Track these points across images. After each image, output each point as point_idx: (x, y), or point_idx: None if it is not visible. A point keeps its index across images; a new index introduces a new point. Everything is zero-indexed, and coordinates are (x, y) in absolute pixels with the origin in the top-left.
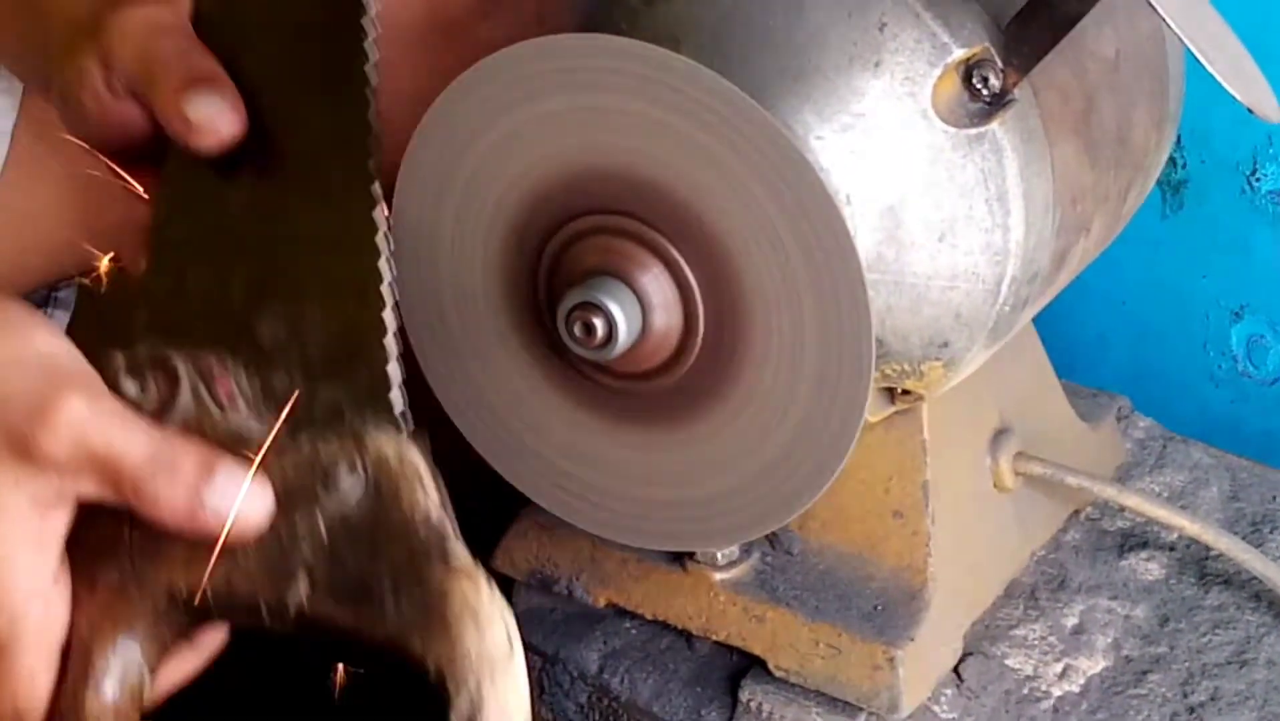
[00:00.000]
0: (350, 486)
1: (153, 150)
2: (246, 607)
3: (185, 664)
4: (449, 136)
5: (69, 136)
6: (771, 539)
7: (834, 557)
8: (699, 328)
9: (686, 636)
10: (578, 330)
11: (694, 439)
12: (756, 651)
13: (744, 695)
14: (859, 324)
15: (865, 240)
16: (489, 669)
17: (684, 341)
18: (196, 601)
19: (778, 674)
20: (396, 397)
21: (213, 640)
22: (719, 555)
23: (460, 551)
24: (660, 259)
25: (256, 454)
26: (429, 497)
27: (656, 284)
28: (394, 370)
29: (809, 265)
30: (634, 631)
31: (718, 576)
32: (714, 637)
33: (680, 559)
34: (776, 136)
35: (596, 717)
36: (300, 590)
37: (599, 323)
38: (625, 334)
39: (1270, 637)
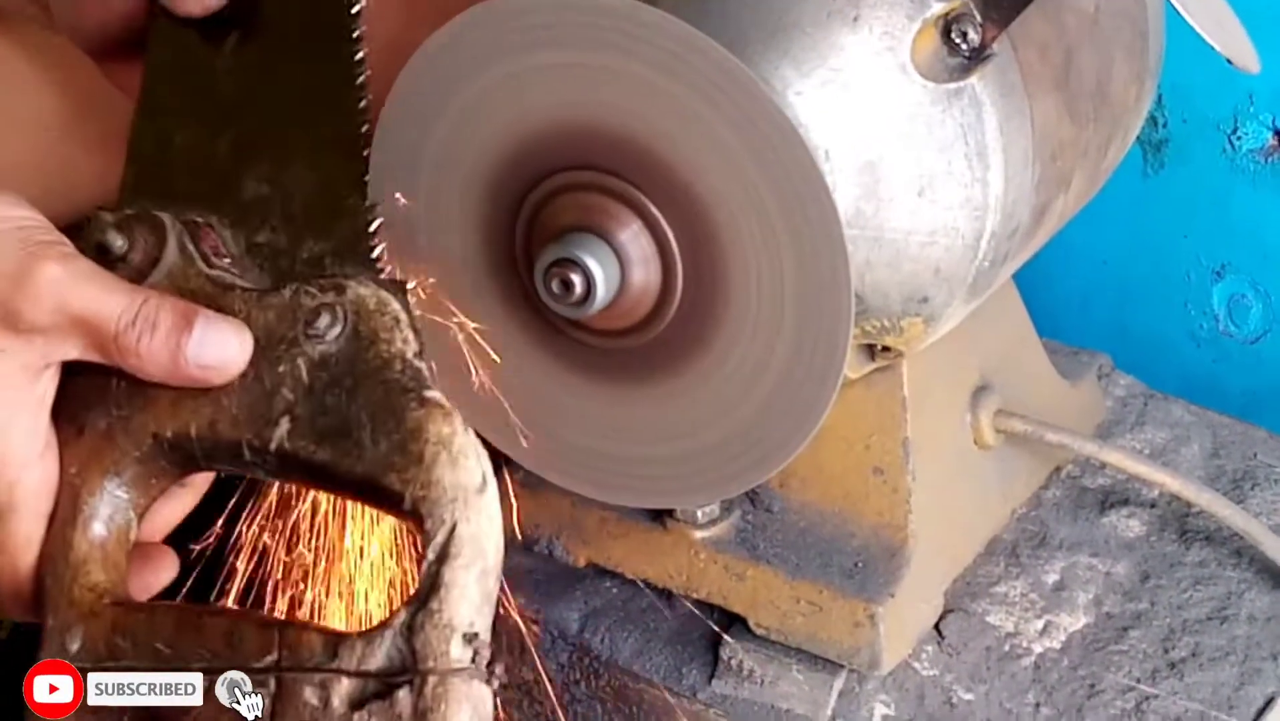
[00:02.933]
0: (330, 331)
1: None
2: (230, 450)
3: (178, 503)
4: (425, 94)
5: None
6: (752, 497)
7: (814, 515)
8: (677, 284)
9: (667, 595)
10: (555, 286)
11: (672, 395)
12: (737, 609)
13: (725, 653)
14: (838, 279)
15: (844, 195)
16: (462, 499)
17: (662, 297)
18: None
19: (758, 631)
20: (377, 248)
21: (203, 480)
22: (699, 513)
23: (435, 391)
24: (639, 215)
25: (240, 305)
26: (406, 341)
27: (635, 240)
28: (375, 224)
29: (788, 221)
30: (614, 590)
31: (698, 534)
32: (695, 596)
33: (660, 517)
34: (755, 92)
35: (578, 676)
36: (281, 431)
37: (577, 279)
38: (603, 290)
39: (1251, 593)
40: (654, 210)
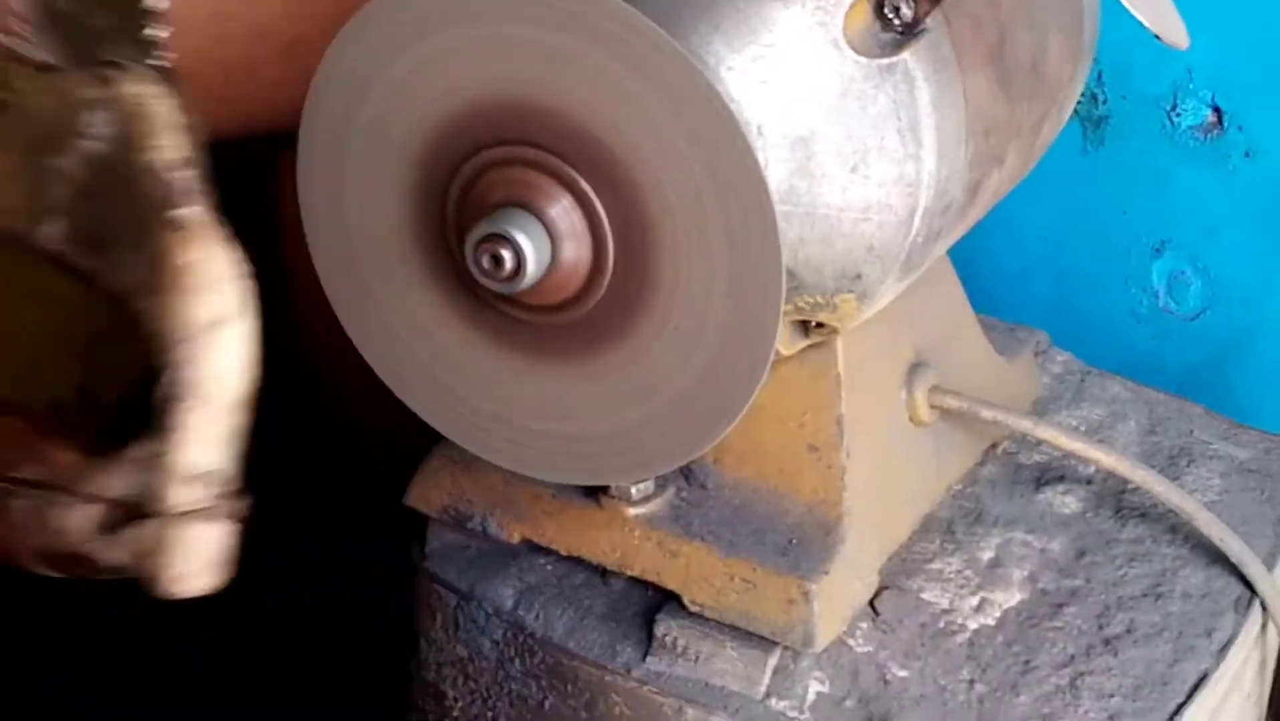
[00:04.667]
0: (103, 129)
1: None
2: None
3: None
4: (351, 74)
5: None
6: (686, 473)
7: (749, 492)
8: (608, 259)
9: (601, 572)
10: (486, 262)
11: (605, 372)
12: (671, 586)
13: (659, 630)
14: (769, 255)
15: (776, 172)
16: (193, 337)
17: (593, 273)
18: None
19: (693, 608)
20: (154, 30)
21: None
22: (633, 490)
23: (195, 211)
24: (569, 190)
25: (19, 83)
26: (168, 148)
27: (565, 215)
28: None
29: (719, 197)
30: (549, 567)
31: (632, 511)
32: (629, 573)
33: (595, 494)
34: (686, 67)
35: (512, 654)
36: (53, 230)
37: (507, 254)
38: (534, 265)
39: (1186, 570)
40: (585, 185)
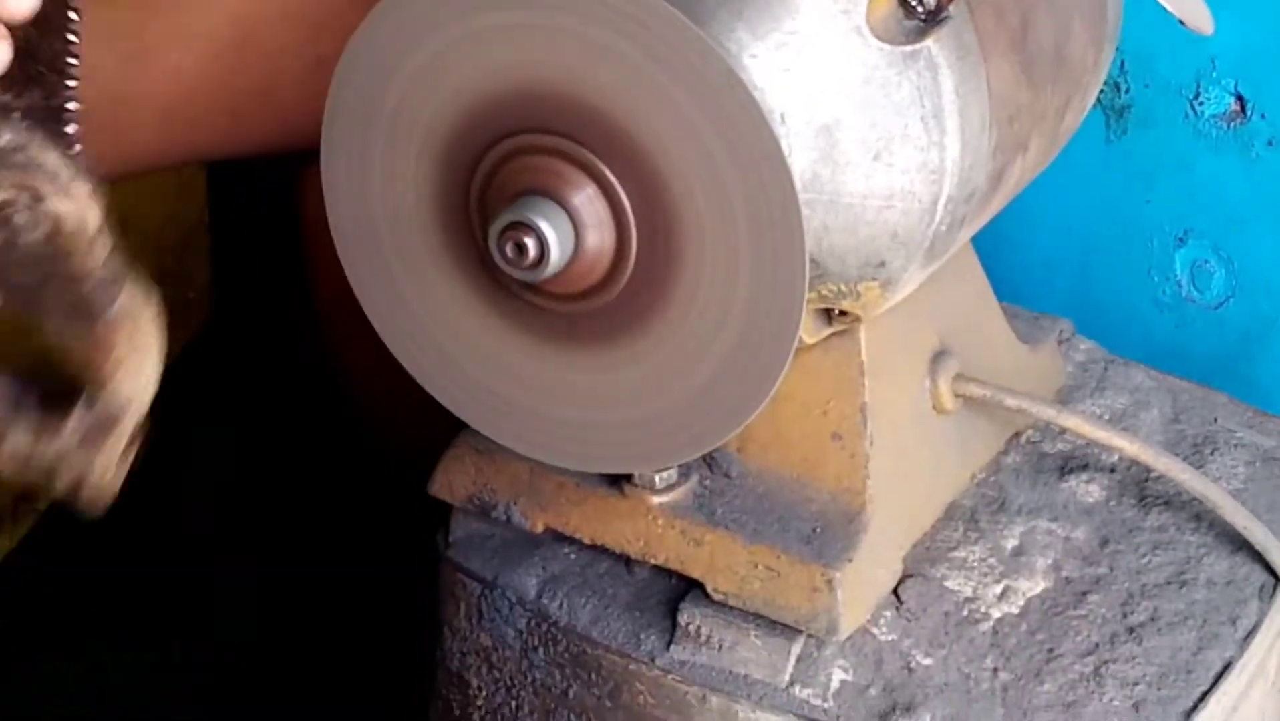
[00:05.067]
0: (25, 232)
1: None
2: None
3: None
4: (375, 60)
5: None
6: (710, 461)
7: (772, 480)
8: (632, 247)
9: (625, 560)
10: (510, 250)
11: (628, 359)
12: (695, 575)
13: (683, 618)
14: (793, 243)
15: (800, 159)
16: (121, 380)
17: (617, 261)
18: None
19: (716, 597)
20: (70, 123)
21: None
22: (657, 478)
23: (120, 302)
24: (593, 178)
25: None
26: (101, 251)
27: (589, 203)
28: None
29: (743, 184)
30: (572, 556)
31: (656, 500)
32: (653, 561)
33: (618, 482)
34: (709, 54)
35: (535, 643)
36: None
37: (531, 242)
38: (557, 254)
39: (1210, 558)
40: (608, 174)
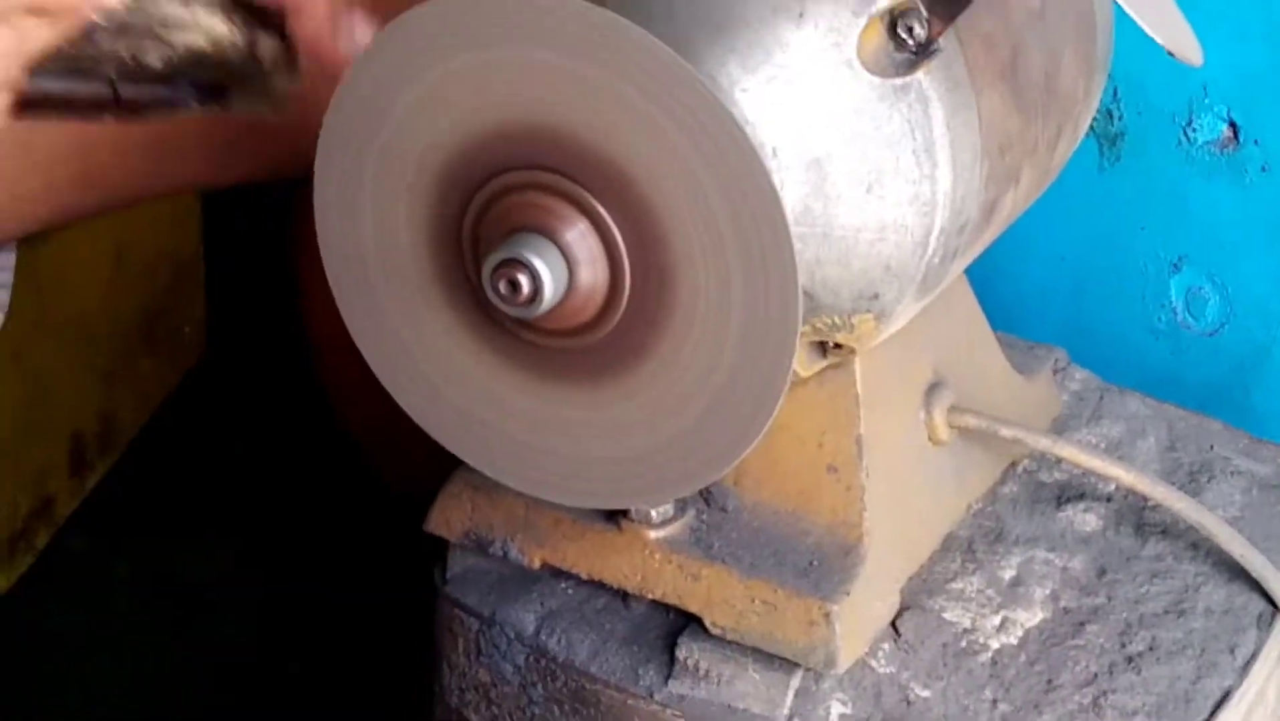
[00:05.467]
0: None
1: None
2: None
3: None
4: (370, 94)
5: None
6: (706, 496)
7: (769, 514)
8: (625, 283)
9: (623, 595)
10: (503, 287)
11: (623, 395)
12: (693, 609)
13: (681, 653)
14: (786, 277)
15: (792, 193)
16: None
17: (610, 297)
18: None
19: (714, 631)
20: None
21: None
22: (653, 513)
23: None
24: (585, 214)
25: None
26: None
27: (582, 240)
28: None
29: (735, 219)
30: (570, 591)
31: (652, 534)
32: (650, 596)
33: (615, 517)
34: (700, 89)
35: (534, 678)
36: None
37: (524, 279)
38: (551, 290)
39: (1207, 587)
40: (600, 210)
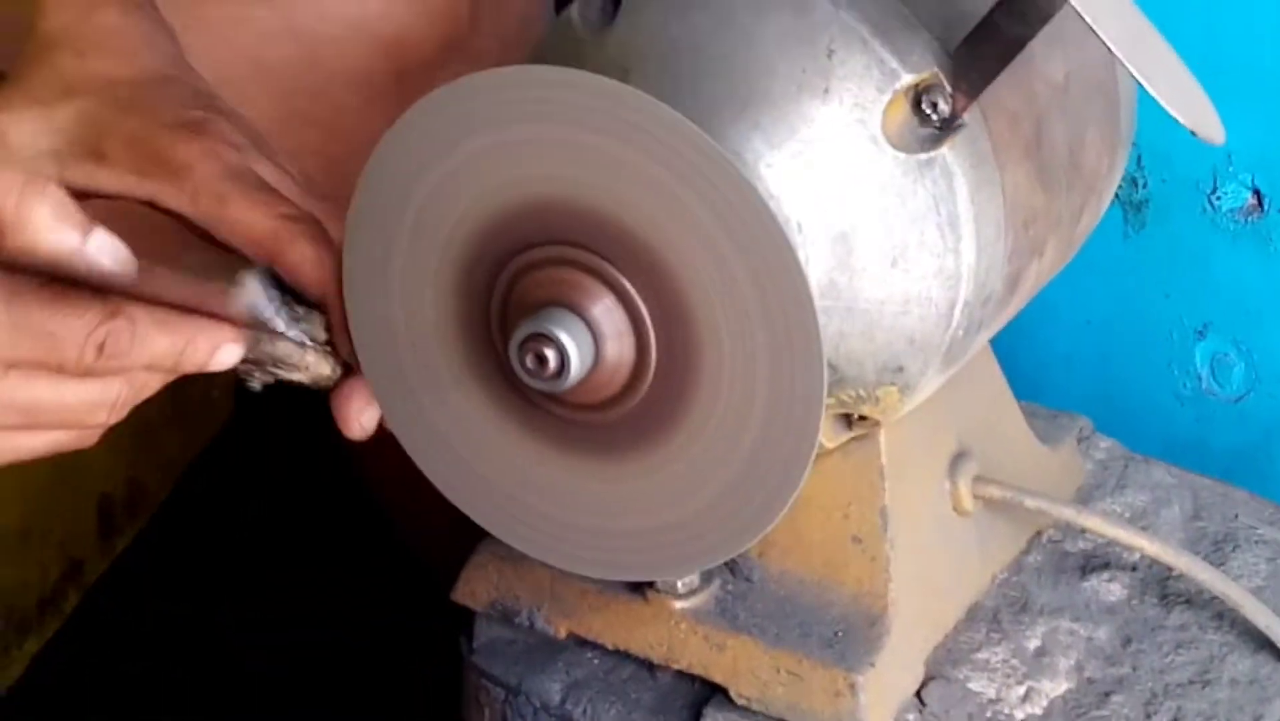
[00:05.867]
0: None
1: None
2: None
3: None
4: (396, 173)
5: None
6: (731, 566)
7: (794, 584)
8: (651, 357)
9: (648, 665)
10: (530, 361)
11: (649, 468)
12: (718, 679)
13: None
14: (810, 351)
15: (817, 267)
16: None
17: (637, 371)
18: None
19: (740, 702)
20: None
21: None
22: (679, 584)
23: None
24: (611, 289)
25: None
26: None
27: (608, 314)
28: None
29: (760, 293)
30: (596, 661)
31: (678, 605)
32: (676, 666)
33: (641, 588)
34: (725, 165)
35: None
36: None
37: (551, 354)
38: (577, 364)
39: (1233, 657)
40: (627, 284)
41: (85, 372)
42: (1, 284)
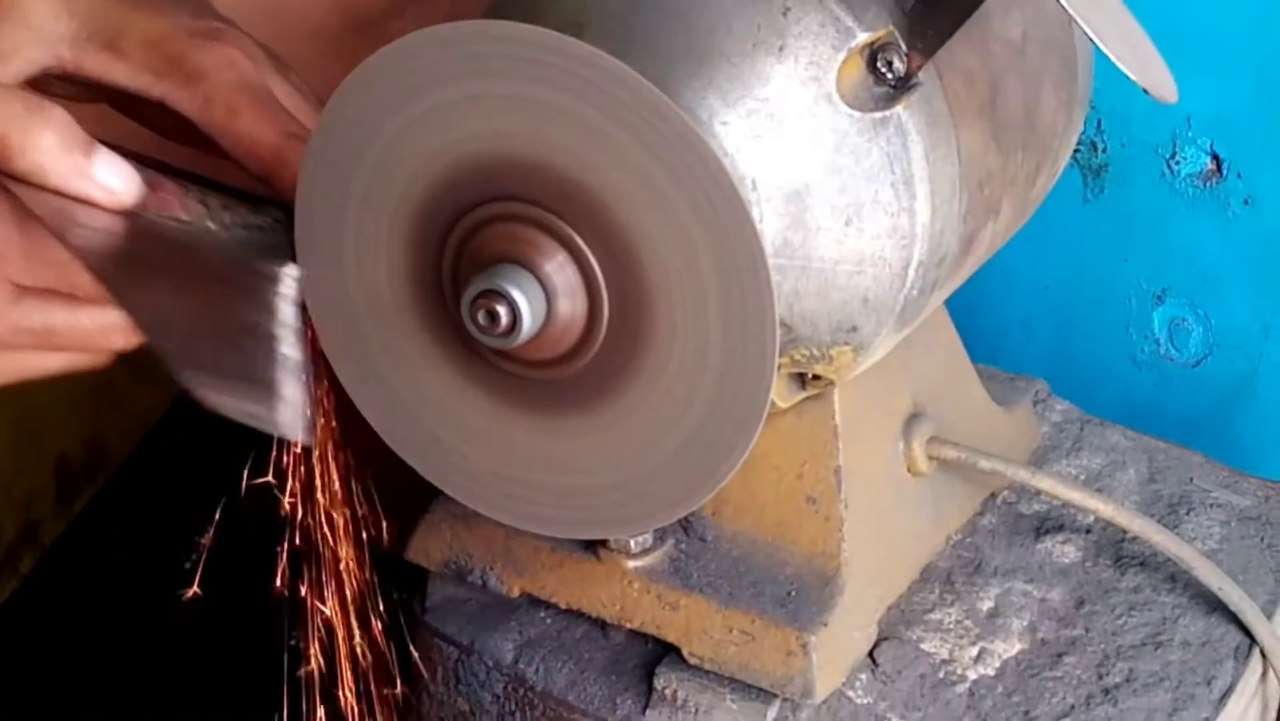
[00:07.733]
0: None
1: None
2: None
3: None
4: (349, 129)
5: None
6: (685, 526)
7: (747, 544)
8: (604, 314)
9: (601, 625)
10: (481, 318)
11: (602, 425)
12: (671, 639)
13: (659, 683)
14: (763, 309)
15: (771, 225)
16: None
17: (589, 328)
18: None
19: (692, 661)
20: None
21: None
22: (632, 543)
23: None
24: (564, 245)
25: None
26: None
27: (560, 270)
28: None
29: (713, 251)
30: (549, 620)
31: (631, 564)
32: (628, 625)
33: (594, 547)
34: (679, 122)
35: (512, 707)
36: None
37: (503, 310)
38: (529, 321)
39: (1185, 619)
40: (579, 241)
41: (99, 298)
42: (13, 210)
